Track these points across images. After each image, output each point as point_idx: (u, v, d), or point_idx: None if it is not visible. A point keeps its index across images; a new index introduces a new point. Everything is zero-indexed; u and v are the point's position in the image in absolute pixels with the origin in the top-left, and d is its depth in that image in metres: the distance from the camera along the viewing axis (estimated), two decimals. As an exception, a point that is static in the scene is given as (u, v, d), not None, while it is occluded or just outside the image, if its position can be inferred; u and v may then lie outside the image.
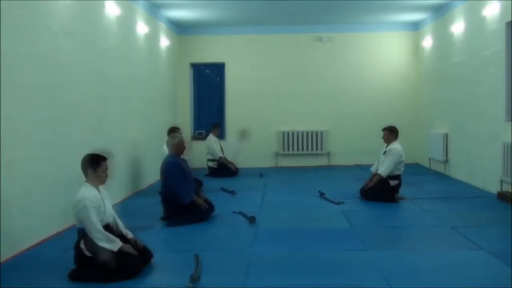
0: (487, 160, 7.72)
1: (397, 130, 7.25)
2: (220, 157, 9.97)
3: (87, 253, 3.93)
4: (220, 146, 10.20)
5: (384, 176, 7.00)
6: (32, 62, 4.94)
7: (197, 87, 12.17)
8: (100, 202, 4.06)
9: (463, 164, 8.74)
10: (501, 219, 5.87)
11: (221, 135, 11.99)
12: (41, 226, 5.08)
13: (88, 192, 4.01)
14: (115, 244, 3.95)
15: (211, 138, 10.19)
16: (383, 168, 7.02)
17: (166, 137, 10.50)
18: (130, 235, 4.26)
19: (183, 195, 5.84)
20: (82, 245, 3.97)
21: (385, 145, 7.22)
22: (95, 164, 4.09)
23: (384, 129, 7.28)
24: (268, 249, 4.80)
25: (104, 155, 4.20)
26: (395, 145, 7.09)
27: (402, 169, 7.11)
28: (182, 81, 11.75)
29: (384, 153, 7.13)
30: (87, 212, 3.90)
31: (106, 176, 4.16)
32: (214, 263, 4.30)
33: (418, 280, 3.85)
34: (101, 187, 4.19)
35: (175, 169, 5.95)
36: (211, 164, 10.02)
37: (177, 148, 6.13)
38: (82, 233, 3.99)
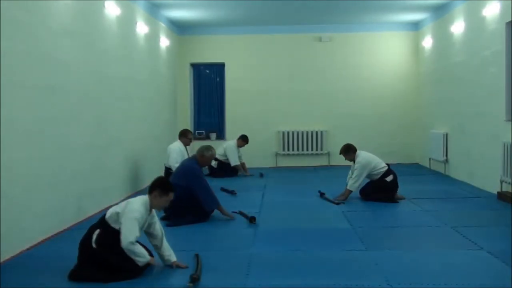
0: (487, 160, 7.72)
1: (350, 146, 7.23)
2: (237, 164, 9.96)
3: (94, 245, 3.92)
4: (239, 156, 10.13)
5: (354, 190, 7.02)
6: (32, 62, 4.94)
7: (197, 87, 12.17)
8: (142, 224, 4.05)
9: (463, 164, 8.74)
10: (501, 219, 5.87)
11: (221, 135, 12.02)
12: (41, 226, 5.08)
13: (141, 206, 4.01)
14: (145, 259, 3.94)
15: (233, 144, 10.09)
16: (351, 182, 7.03)
17: (166, 137, 10.55)
18: None
19: (208, 201, 5.87)
20: (95, 235, 3.95)
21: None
22: (164, 191, 4.09)
23: (340, 154, 7.30)
24: (268, 249, 4.79)
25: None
26: (360, 158, 7.07)
27: (383, 165, 7.09)
28: (182, 81, 11.76)
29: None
30: (133, 226, 3.89)
31: (165, 206, 4.18)
32: (214, 263, 4.30)
33: (418, 280, 3.85)
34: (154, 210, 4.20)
35: (202, 176, 5.99)
36: (213, 162, 9.94)
37: (206, 161, 6.10)
38: (104, 225, 3.97)
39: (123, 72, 7.67)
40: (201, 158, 6.10)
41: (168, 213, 5.98)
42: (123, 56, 7.66)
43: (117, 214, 4.00)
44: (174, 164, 7.83)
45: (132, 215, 3.92)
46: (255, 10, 9.96)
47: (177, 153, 8.19)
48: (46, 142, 5.19)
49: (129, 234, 3.87)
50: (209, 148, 6.17)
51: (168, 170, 8.22)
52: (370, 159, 7.10)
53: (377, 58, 11.65)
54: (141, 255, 3.92)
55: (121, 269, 3.91)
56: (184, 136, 8.63)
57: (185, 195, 5.79)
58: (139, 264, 3.92)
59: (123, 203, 4.11)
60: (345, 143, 11.30)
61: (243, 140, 10.23)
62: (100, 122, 6.69)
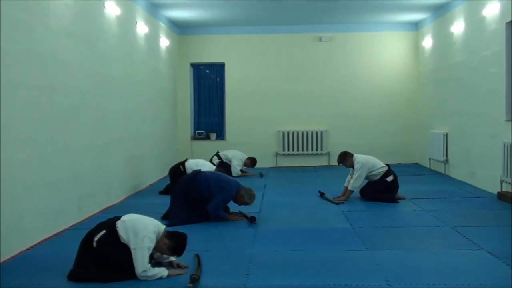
0: (487, 160, 7.72)
1: (345, 152, 7.25)
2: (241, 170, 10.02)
3: (94, 244, 3.92)
4: (241, 170, 10.11)
5: (355, 190, 7.03)
6: (32, 62, 4.94)
7: (197, 87, 12.17)
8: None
9: (463, 164, 8.74)
10: (501, 219, 5.87)
11: (220, 135, 12.02)
12: (41, 226, 5.08)
13: (154, 237, 3.99)
14: (162, 274, 3.94)
15: (241, 157, 10.08)
16: (351, 182, 7.04)
17: (166, 137, 10.54)
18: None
19: (217, 214, 5.89)
20: (99, 235, 3.94)
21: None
22: (178, 250, 4.06)
23: (339, 164, 7.32)
24: (268, 249, 4.80)
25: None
26: (358, 159, 7.08)
27: (382, 165, 7.09)
28: (182, 81, 11.75)
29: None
30: (145, 256, 3.88)
31: (163, 247, 4.09)
32: (214, 263, 4.30)
33: (418, 280, 3.85)
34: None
35: (230, 199, 6.00)
36: (215, 160, 9.90)
37: (240, 201, 5.99)
38: (111, 229, 3.95)
39: (123, 72, 7.67)
40: (240, 198, 5.96)
41: (173, 208, 5.98)
42: (123, 56, 7.66)
43: (128, 233, 3.94)
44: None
45: (144, 244, 3.90)
46: (255, 10, 9.96)
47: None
48: (46, 142, 5.19)
49: (141, 265, 3.86)
50: (252, 198, 5.99)
51: (180, 169, 7.97)
52: (368, 159, 7.13)
53: (377, 58, 11.65)
54: (157, 275, 3.91)
55: (120, 269, 3.90)
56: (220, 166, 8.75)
57: (202, 199, 5.88)
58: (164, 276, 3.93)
59: (136, 222, 4.01)
60: (344, 143, 11.33)
61: (253, 161, 10.21)
62: (100, 122, 6.69)
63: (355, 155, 7.18)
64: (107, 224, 4.05)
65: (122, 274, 3.90)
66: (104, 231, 3.97)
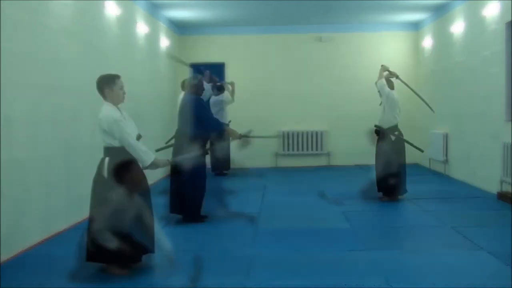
0: (487, 160, 7.72)
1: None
2: None
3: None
4: None
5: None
6: (32, 62, 4.94)
7: (197, 87, 12.16)
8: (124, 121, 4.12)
9: (463, 164, 8.74)
10: (501, 219, 5.86)
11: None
12: (41, 226, 5.08)
13: (111, 109, 4.09)
14: (150, 156, 4.07)
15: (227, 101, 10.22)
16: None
17: (166, 137, 10.47)
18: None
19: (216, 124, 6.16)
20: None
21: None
22: (110, 83, 4.16)
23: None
24: (268, 249, 4.80)
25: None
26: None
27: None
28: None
29: None
30: (119, 126, 3.99)
31: (124, 93, 4.24)
32: (214, 263, 4.30)
33: (418, 280, 3.86)
34: (122, 110, 4.23)
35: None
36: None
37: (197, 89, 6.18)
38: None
39: (123, 72, 7.58)
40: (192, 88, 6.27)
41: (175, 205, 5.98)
42: (123, 56, 7.66)
43: (103, 132, 4.05)
44: None
45: (111, 119, 3.99)
46: (255, 10, 9.96)
47: None
48: (46, 142, 5.19)
49: (127, 135, 4.00)
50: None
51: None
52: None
53: (377, 58, 11.56)
54: (148, 152, 4.05)
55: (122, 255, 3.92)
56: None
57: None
58: (144, 163, 4.05)
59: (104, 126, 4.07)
60: (345, 143, 11.25)
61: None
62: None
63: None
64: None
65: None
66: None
